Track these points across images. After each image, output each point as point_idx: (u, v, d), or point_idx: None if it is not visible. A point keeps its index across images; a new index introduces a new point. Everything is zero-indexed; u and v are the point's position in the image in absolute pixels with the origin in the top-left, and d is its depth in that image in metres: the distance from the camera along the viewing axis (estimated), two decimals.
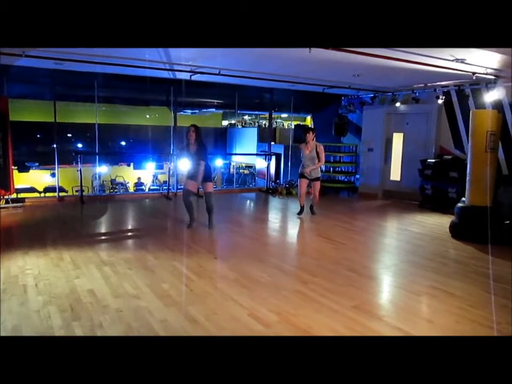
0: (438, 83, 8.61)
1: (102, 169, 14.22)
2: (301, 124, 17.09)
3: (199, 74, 8.04)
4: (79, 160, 8.92)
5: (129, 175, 17.13)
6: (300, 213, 7.65)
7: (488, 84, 7.72)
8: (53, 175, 10.84)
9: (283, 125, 19.91)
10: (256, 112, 18.24)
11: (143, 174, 17.01)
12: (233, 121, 19.89)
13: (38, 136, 15.92)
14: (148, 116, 17.89)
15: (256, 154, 14.59)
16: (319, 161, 7.39)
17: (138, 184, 16.17)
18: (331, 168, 11.49)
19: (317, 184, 7.56)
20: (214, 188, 14.37)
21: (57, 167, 9.26)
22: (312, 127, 8.14)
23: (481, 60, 6.11)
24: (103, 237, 6.22)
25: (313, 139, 7.38)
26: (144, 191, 15.28)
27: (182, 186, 6.67)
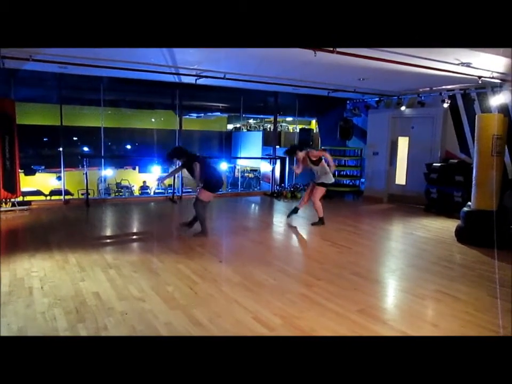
0: (444, 87, 8.60)
1: (108, 172, 14.29)
2: (306, 127, 17.10)
3: (204, 78, 8.08)
4: (84, 163, 8.97)
5: (135, 178, 17.21)
6: (290, 214, 7.40)
7: (494, 88, 7.70)
8: (59, 178, 10.92)
9: (288, 128, 19.91)
10: (261, 116, 18.26)
11: (149, 178, 17.08)
12: (238, 125, 19.92)
13: (44, 139, 16.03)
14: (153, 120, 17.97)
15: (261, 158, 14.60)
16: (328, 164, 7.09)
17: (144, 187, 16.23)
18: (336, 172, 11.46)
19: (316, 189, 7.07)
20: (219, 191, 14.39)
21: (63, 170, 9.31)
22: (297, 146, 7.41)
23: (487, 64, 6.10)
24: (108, 240, 6.24)
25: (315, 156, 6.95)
26: (149, 194, 15.34)
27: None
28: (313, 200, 7.14)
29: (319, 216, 7.23)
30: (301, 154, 7.00)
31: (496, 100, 7.72)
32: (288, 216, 7.53)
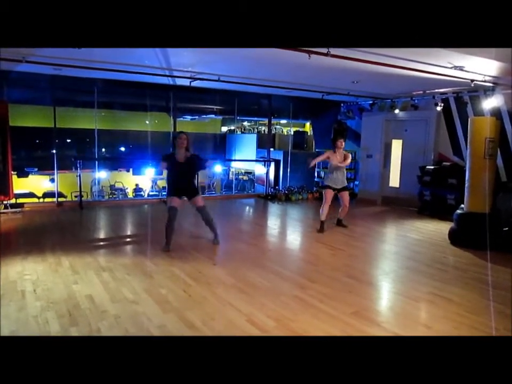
0: (437, 90, 8.65)
1: (101, 174, 14.21)
2: (300, 130, 17.13)
3: (198, 81, 8.07)
4: (78, 165, 8.93)
5: (128, 180, 17.12)
6: (321, 229, 6.98)
7: (487, 91, 7.76)
8: (52, 180, 10.85)
9: (282, 131, 19.94)
10: (255, 118, 18.25)
11: (142, 180, 17.00)
12: (232, 127, 19.92)
13: (38, 141, 15.92)
14: (147, 122, 17.92)
15: (255, 161, 14.61)
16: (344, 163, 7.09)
17: (137, 189, 16.16)
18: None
19: (345, 194, 7.12)
20: (213, 194, 14.40)
21: (57, 173, 9.27)
22: (343, 131, 7.74)
23: (480, 67, 6.14)
24: (101, 243, 6.21)
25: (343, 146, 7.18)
26: (143, 196, 15.28)
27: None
28: (345, 205, 7.18)
29: (341, 218, 7.38)
30: (342, 144, 7.23)
31: (489, 103, 7.78)
32: (345, 226, 7.36)
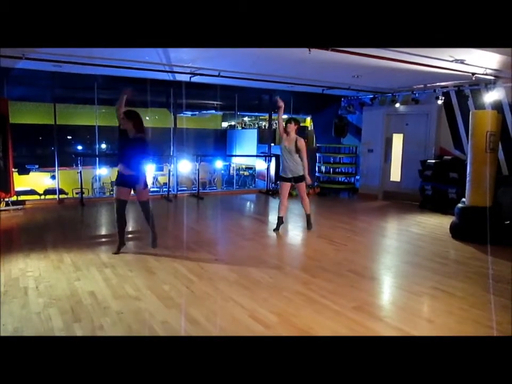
0: (438, 84, 8.62)
1: (102, 171, 14.21)
2: (301, 125, 17.09)
3: (198, 76, 8.05)
4: (79, 162, 8.93)
5: None
6: (277, 227, 6.56)
7: (488, 85, 7.73)
8: (53, 177, 10.83)
9: None
10: (256, 114, 18.22)
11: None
12: (233, 123, 19.88)
13: (38, 138, 15.91)
14: (147, 118, 17.88)
15: (256, 156, 14.59)
16: (301, 159, 6.34)
17: None
18: (331, 169, 11.49)
19: (301, 185, 6.45)
20: (214, 189, 14.38)
21: (57, 169, 9.26)
22: (296, 119, 6.72)
23: (481, 61, 6.12)
24: (103, 239, 6.22)
25: (295, 131, 6.41)
26: None
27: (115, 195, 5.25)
28: (302, 197, 6.59)
29: (308, 213, 6.74)
30: (292, 127, 6.40)
31: (490, 97, 7.76)
32: (276, 230, 6.59)
